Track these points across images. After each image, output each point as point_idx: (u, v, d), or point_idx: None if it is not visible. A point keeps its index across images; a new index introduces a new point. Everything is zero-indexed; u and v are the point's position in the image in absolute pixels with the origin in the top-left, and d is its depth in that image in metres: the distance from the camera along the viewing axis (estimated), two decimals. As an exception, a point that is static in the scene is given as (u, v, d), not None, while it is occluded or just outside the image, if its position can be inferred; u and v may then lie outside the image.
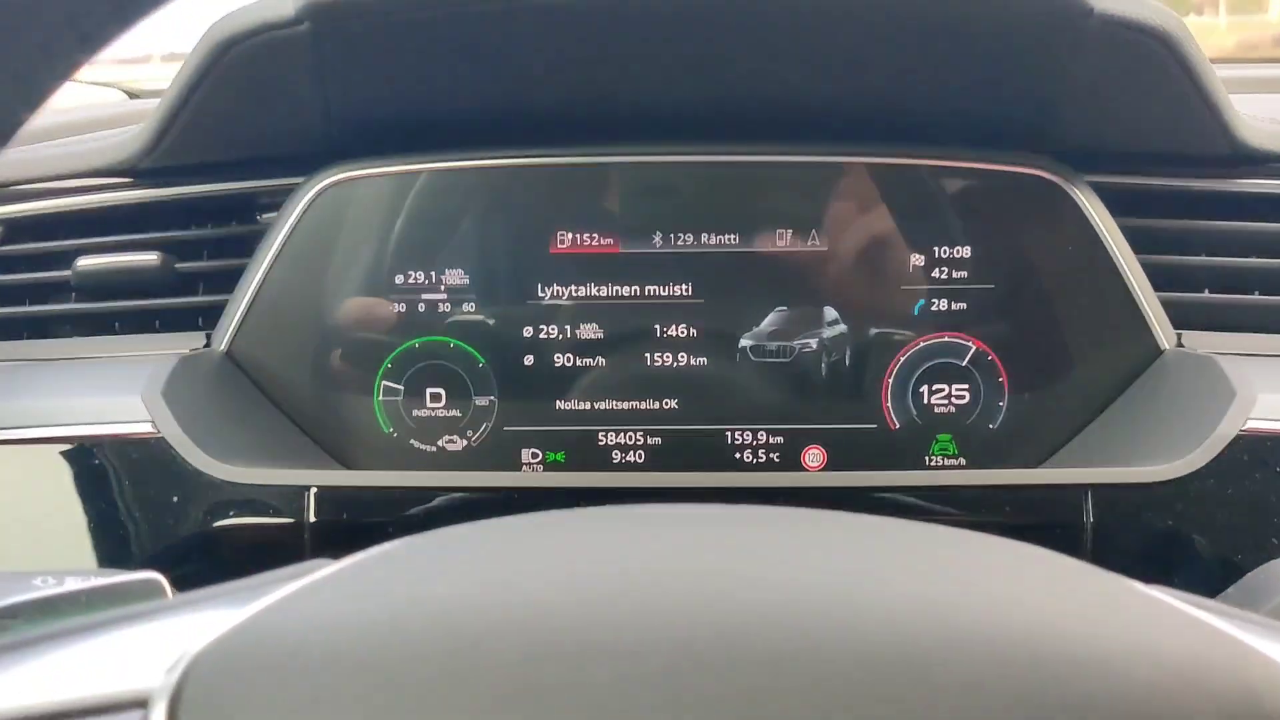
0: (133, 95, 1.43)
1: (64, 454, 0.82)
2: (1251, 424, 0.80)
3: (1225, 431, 0.79)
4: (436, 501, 0.84)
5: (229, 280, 0.92)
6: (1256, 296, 0.93)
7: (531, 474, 0.90)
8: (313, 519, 0.81)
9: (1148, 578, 0.80)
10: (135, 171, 0.93)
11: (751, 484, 0.84)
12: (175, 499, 0.81)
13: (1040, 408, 0.91)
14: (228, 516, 0.81)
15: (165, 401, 0.81)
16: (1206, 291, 0.93)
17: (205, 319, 0.94)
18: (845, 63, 0.85)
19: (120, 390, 0.83)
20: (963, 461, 0.92)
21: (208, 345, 0.91)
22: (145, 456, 0.81)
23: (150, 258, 0.93)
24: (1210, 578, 0.79)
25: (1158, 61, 0.79)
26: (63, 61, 0.39)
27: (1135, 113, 0.88)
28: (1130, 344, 0.90)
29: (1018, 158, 0.90)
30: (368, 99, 0.87)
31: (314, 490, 0.81)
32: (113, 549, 0.80)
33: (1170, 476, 0.79)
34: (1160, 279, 0.91)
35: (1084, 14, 0.75)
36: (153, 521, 0.81)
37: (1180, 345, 0.90)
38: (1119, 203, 0.91)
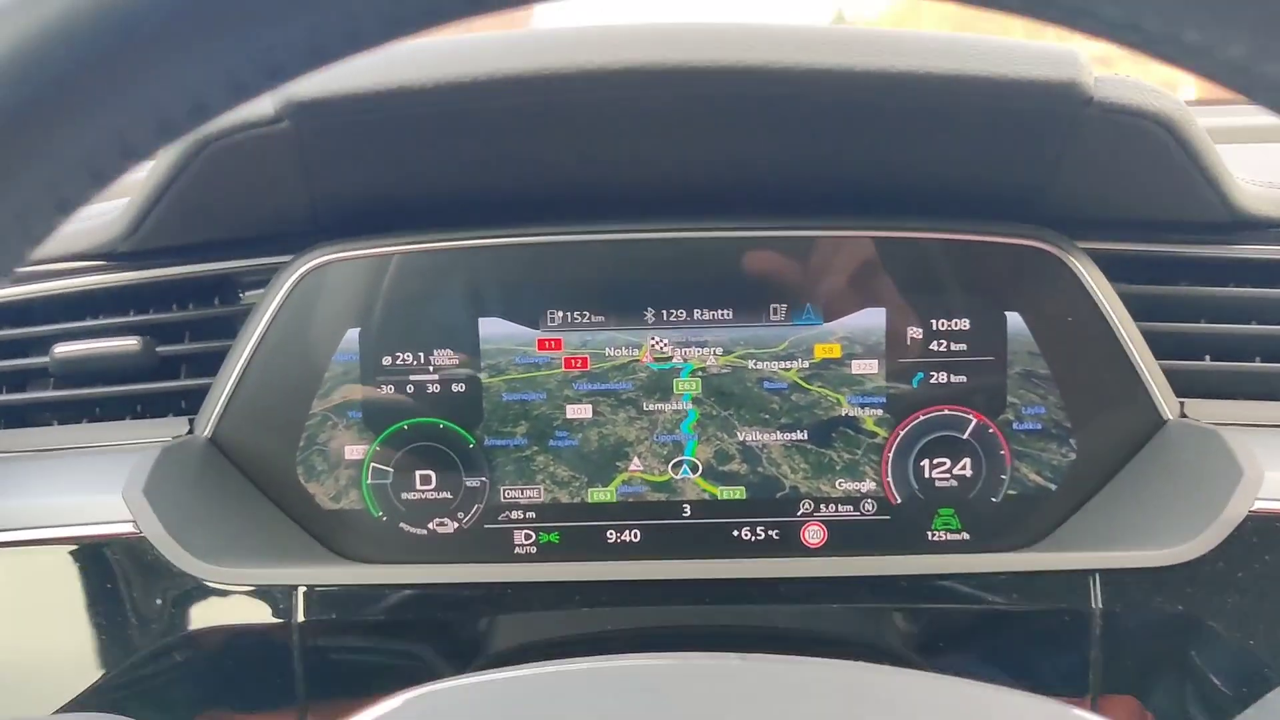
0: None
1: (44, 557, 0.80)
2: (1260, 504, 0.78)
3: (1233, 514, 0.77)
4: (427, 593, 0.82)
5: (212, 363, 0.90)
6: (1258, 364, 0.91)
7: (524, 566, 0.88)
8: (300, 619, 0.79)
9: (1162, 664, 0.79)
10: (115, 255, 0.90)
11: (752, 573, 0.83)
12: (158, 601, 0.78)
13: (1043, 481, 0.90)
14: (214, 618, 0.79)
15: (147, 499, 0.79)
16: (1208, 359, 0.92)
17: (188, 403, 0.92)
18: (836, 141, 0.83)
19: (100, 487, 0.81)
20: (966, 536, 0.91)
21: (191, 431, 0.89)
22: (127, 557, 0.79)
23: (130, 342, 0.90)
24: (1225, 664, 0.77)
25: (1158, 144, 0.78)
26: (40, 228, 0.37)
27: (1132, 186, 0.86)
28: (1132, 414, 0.89)
29: (1012, 228, 0.88)
30: (350, 186, 0.85)
31: (301, 589, 0.79)
32: (93, 655, 0.78)
33: (1179, 560, 0.77)
34: (1160, 347, 0.89)
35: (1083, 102, 0.74)
36: (135, 624, 0.79)
37: (1183, 415, 0.89)
38: (1116, 270, 0.89)
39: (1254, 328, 0.91)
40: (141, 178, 0.85)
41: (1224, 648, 0.78)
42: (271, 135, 0.74)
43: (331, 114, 0.73)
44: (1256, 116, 1.25)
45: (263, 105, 0.74)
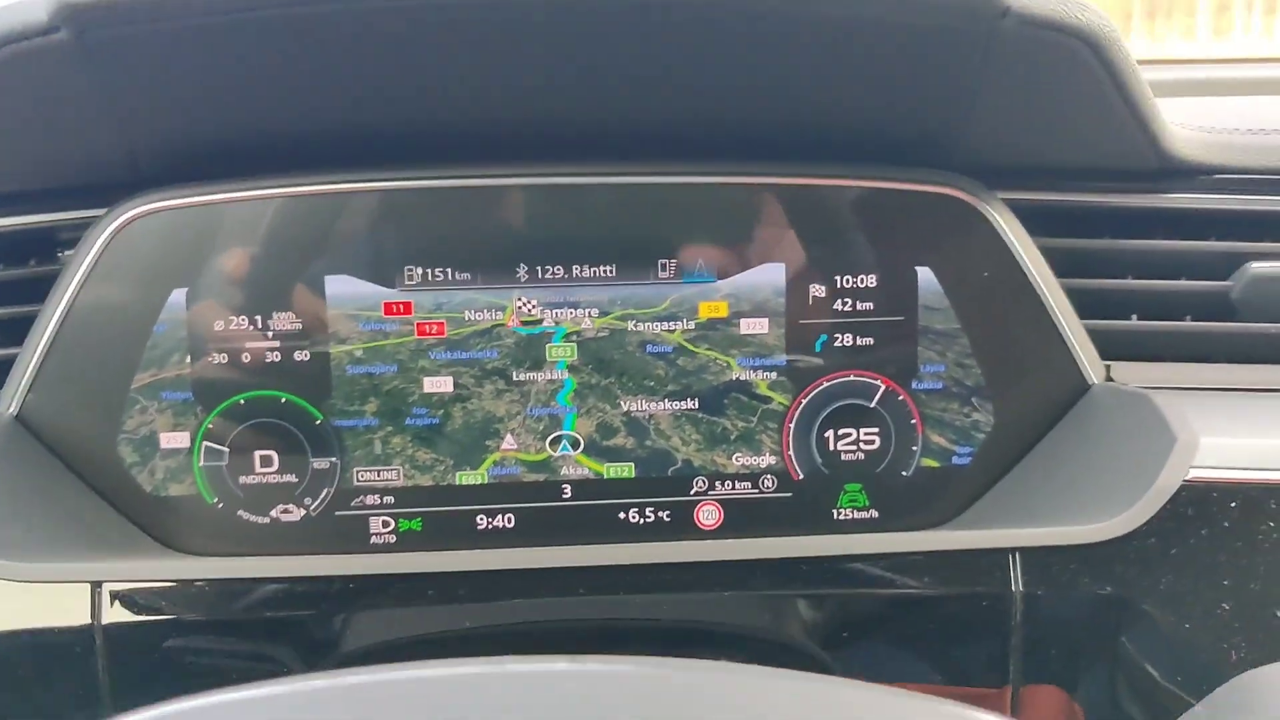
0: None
1: None
2: (1195, 473, 0.71)
3: (1166, 484, 0.69)
4: (267, 590, 0.71)
5: (19, 331, 0.78)
6: (1188, 322, 0.84)
7: (378, 557, 0.77)
8: (105, 620, 0.67)
9: (1088, 649, 0.71)
10: (-96, 207, 0.78)
11: (640, 559, 0.73)
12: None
13: (958, 452, 0.81)
14: (4, 622, 0.67)
15: (-73, 483, 0.67)
16: (1135, 318, 0.84)
17: (-7, 376, 0.80)
18: (728, 70, 0.74)
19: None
20: (874, 514, 0.82)
21: (-7, 407, 0.77)
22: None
23: (-76, 306, 0.78)
24: (1159, 650, 0.69)
25: (1081, 66, 0.69)
26: None
27: (1052, 124, 0.78)
28: (1055, 378, 0.81)
29: (923, 175, 0.80)
30: (168, 119, 0.74)
31: (106, 587, 0.67)
32: None
33: (1107, 536, 0.69)
34: (1084, 305, 0.81)
35: (997, 14, 0.65)
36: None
37: (1109, 378, 0.81)
38: (1037, 222, 0.81)
39: (1184, 284, 0.84)
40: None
41: (1158, 632, 0.70)
42: (52, 49, 0.63)
43: (111, 19, 0.61)
44: (1190, 71, 1.19)
45: (35, 11, 0.62)
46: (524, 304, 0.80)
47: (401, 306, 0.79)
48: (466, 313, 0.79)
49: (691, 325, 0.81)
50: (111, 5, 0.60)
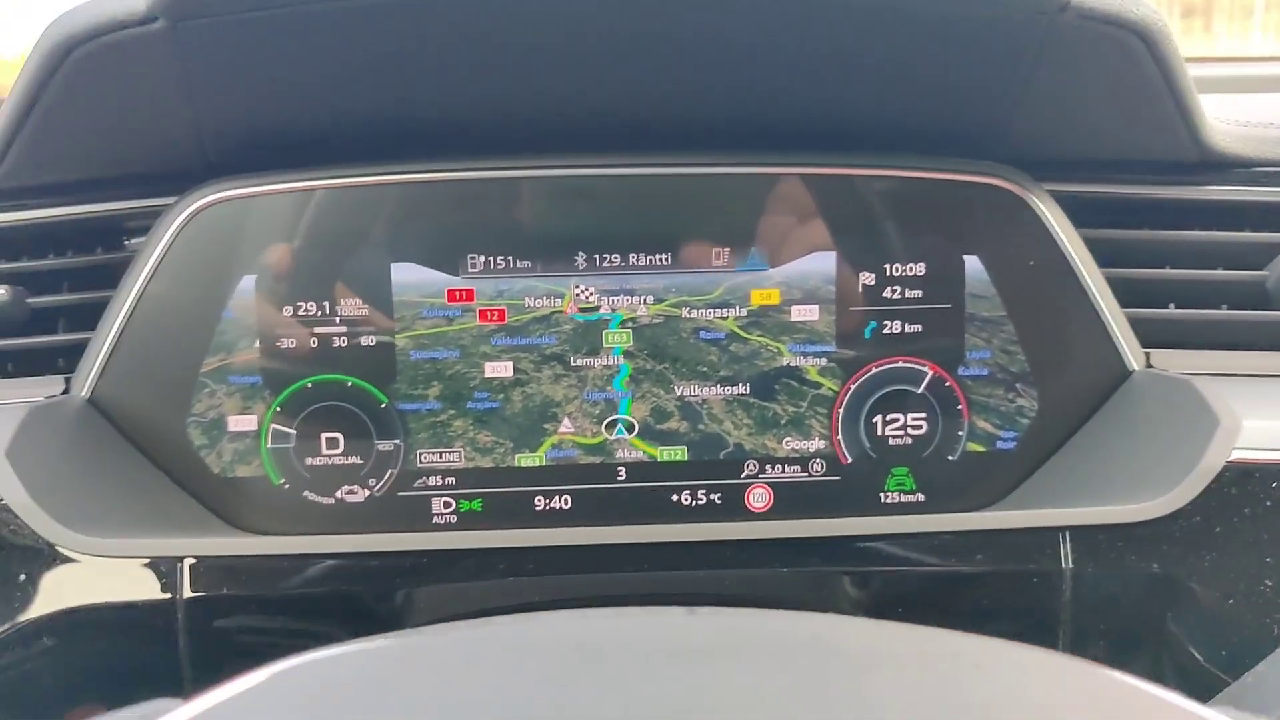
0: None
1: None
2: (1238, 454, 0.73)
3: (1211, 464, 0.72)
4: (335, 567, 0.73)
5: (92, 315, 0.80)
6: (1225, 311, 0.86)
7: (441, 534, 0.80)
8: (187, 594, 0.70)
9: (1136, 625, 0.73)
10: (-21, 194, 0.80)
11: (692, 537, 0.75)
12: (22, 577, 0.69)
13: (1004, 437, 0.84)
14: (86, 596, 0.70)
15: (10, 462, 0.69)
16: (1173, 307, 0.86)
17: (65, 360, 0.82)
18: (784, 63, 0.76)
19: (-41, 452, 0.71)
20: (920, 498, 0.84)
21: (67, 391, 0.80)
22: (-11, 528, 0.69)
23: (-1, 292, 0.81)
24: (1204, 626, 0.72)
25: (1133, 60, 0.71)
26: None
27: (1099, 116, 0.80)
28: (1097, 364, 0.83)
29: (972, 166, 0.82)
30: (243, 107, 0.76)
31: (188, 561, 0.70)
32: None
33: (1154, 515, 0.71)
34: (1125, 293, 0.84)
35: (1057, 8, 0.67)
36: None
37: (1149, 365, 0.83)
38: (1080, 213, 0.84)
39: (1221, 273, 0.86)
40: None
41: (1203, 608, 0.73)
42: (145, 38, 0.65)
43: (209, 9, 0.63)
44: (1229, 69, 1.21)
45: (134, 2, 0.65)
46: (582, 291, 0.82)
47: (464, 294, 0.81)
48: (526, 299, 0.82)
49: (744, 312, 0.83)
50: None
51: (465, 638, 0.36)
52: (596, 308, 0.82)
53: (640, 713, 0.31)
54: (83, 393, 0.79)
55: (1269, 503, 0.73)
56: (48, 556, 0.69)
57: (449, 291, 0.81)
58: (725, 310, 0.83)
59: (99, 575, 0.70)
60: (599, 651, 0.35)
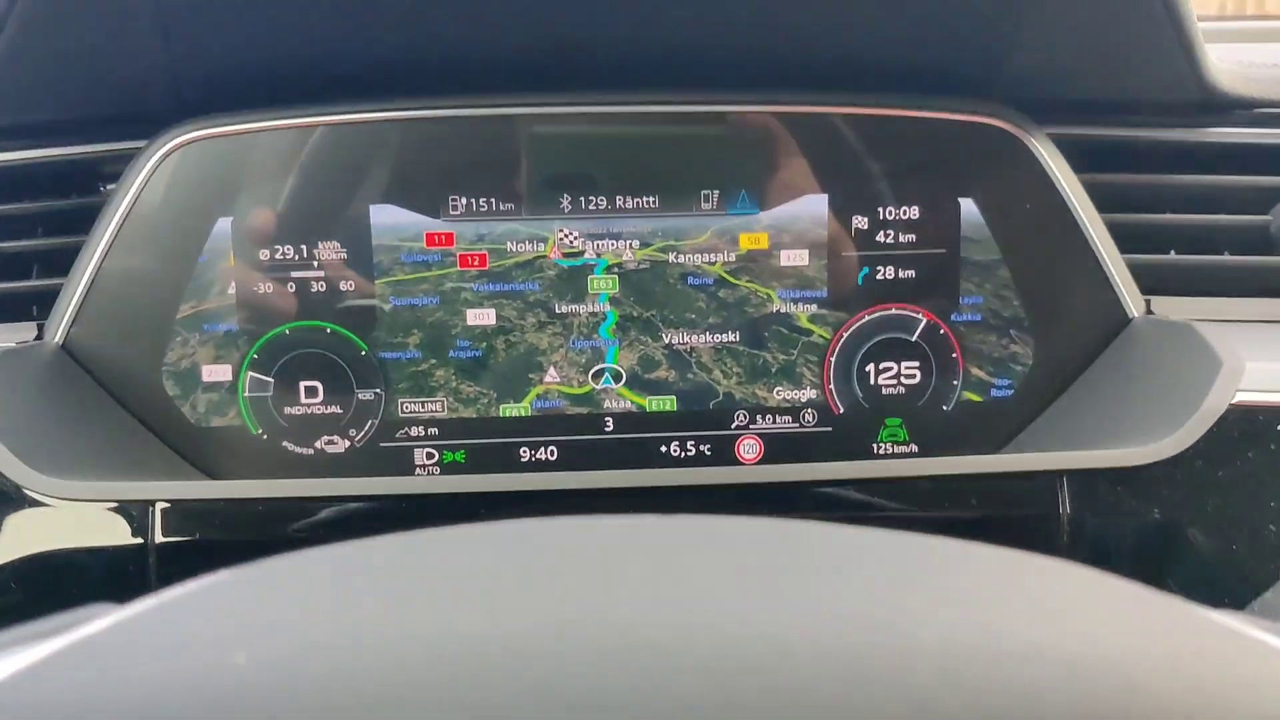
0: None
1: None
2: (1241, 396, 0.71)
3: (1214, 405, 0.69)
4: (311, 515, 0.71)
5: (65, 261, 0.78)
6: (1227, 257, 0.84)
7: (423, 479, 0.78)
8: (159, 540, 0.68)
9: (1135, 571, 0.71)
10: (-52, 136, 0.78)
11: (681, 481, 0.73)
12: (-6, 520, 0.67)
13: (1000, 385, 0.81)
14: (56, 540, 0.68)
15: (-21, 405, 0.67)
16: (1173, 252, 0.84)
17: (39, 307, 0.80)
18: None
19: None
20: (914, 449, 0.82)
21: (39, 337, 0.78)
22: (-46, 471, 0.67)
23: (-32, 237, 0.78)
24: (1206, 571, 0.70)
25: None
26: None
27: (1099, 52, 0.78)
28: (1096, 311, 0.81)
29: (969, 105, 0.80)
30: (218, 44, 0.74)
31: (160, 505, 0.68)
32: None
33: (1155, 458, 0.69)
34: (1125, 239, 0.81)
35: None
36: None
37: (1150, 312, 0.81)
38: (1079, 156, 0.82)
39: (1222, 218, 0.84)
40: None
41: (1206, 554, 0.70)
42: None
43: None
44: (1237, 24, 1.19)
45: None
46: (566, 235, 0.80)
47: (444, 238, 0.79)
48: (508, 244, 0.80)
49: (732, 257, 0.81)
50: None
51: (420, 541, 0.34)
52: (581, 252, 0.80)
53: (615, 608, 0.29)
54: (55, 338, 0.77)
55: (1273, 445, 0.71)
56: (18, 500, 0.67)
57: (428, 235, 0.79)
58: (713, 255, 0.80)
59: (70, 519, 0.68)
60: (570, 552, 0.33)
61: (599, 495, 0.71)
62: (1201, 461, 0.70)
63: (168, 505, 0.68)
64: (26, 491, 0.66)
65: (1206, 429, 0.69)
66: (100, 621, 0.31)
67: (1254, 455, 0.70)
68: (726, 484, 0.72)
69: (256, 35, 0.74)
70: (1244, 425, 0.70)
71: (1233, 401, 0.70)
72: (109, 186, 0.82)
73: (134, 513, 0.68)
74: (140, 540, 0.67)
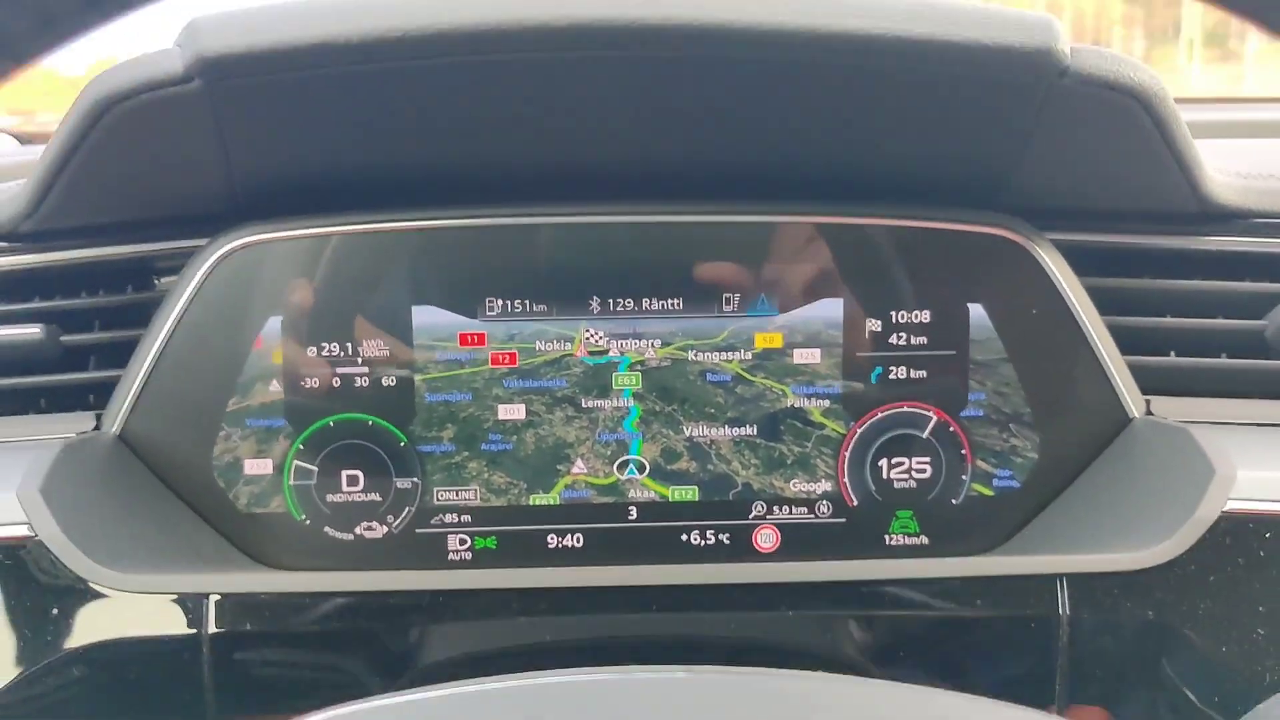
0: (24, 141, 1.32)
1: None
2: (1232, 504, 0.75)
3: (1205, 515, 0.74)
4: (353, 603, 0.76)
5: (122, 354, 0.83)
6: (1224, 360, 0.88)
7: (458, 573, 0.82)
8: (212, 630, 0.72)
9: (1132, 671, 0.75)
10: (15, 235, 0.83)
11: (702, 579, 0.77)
12: (54, 610, 0.72)
13: (1006, 481, 0.86)
14: (115, 629, 0.72)
15: (43, 498, 0.72)
16: (1173, 354, 0.88)
17: (96, 397, 0.85)
18: (793, 119, 0.78)
19: (-8, 486, 0.74)
20: (924, 540, 0.86)
21: (98, 427, 0.82)
22: (20, 562, 0.72)
23: (33, 330, 0.83)
24: (1199, 673, 0.73)
25: (1132, 122, 0.74)
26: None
27: (1100, 171, 0.83)
28: (1098, 412, 0.85)
29: (976, 216, 0.84)
30: (273, 157, 0.79)
31: (214, 598, 0.72)
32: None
33: (1149, 564, 0.73)
34: (1126, 341, 0.86)
35: (1058, 73, 0.70)
36: (28, 636, 0.72)
37: (1149, 413, 0.85)
38: (1083, 261, 0.86)
39: (1220, 322, 0.88)
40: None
41: (1198, 655, 0.74)
42: (182, 97, 0.68)
43: (245, 71, 0.66)
44: (1228, 112, 1.23)
45: (172, 62, 0.68)
46: (591, 335, 0.84)
47: (476, 338, 0.84)
48: (537, 343, 0.84)
49: (748, 355, 0.85)
50: (244, 58, 0.65)
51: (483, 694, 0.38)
52: (605, 350, 0.85)
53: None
54: (113, 429, 0.82)
55: (1262, 553, 0.75)
56: (78, 591, 0.72)
57: (461, 335, 0.83)
58: (730, 354, 0.85)
59: (127, 610, 0.72)
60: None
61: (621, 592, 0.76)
62: (1194, 566, 0.74)
63: (220, 597, 0.73)
64: (89, 585, 0.71)
65: (1198, 536, 0.73)
66: None
67: (1244, 561, 0.74)
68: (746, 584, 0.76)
69: (310, 151, 0.79)
70: (1235, 532, 0.74)
71: (1224, 510, 0.74)
72: (164, 281, 0.87)
73: (189, 603, 0.73)
74: (195, 630, 0.72)
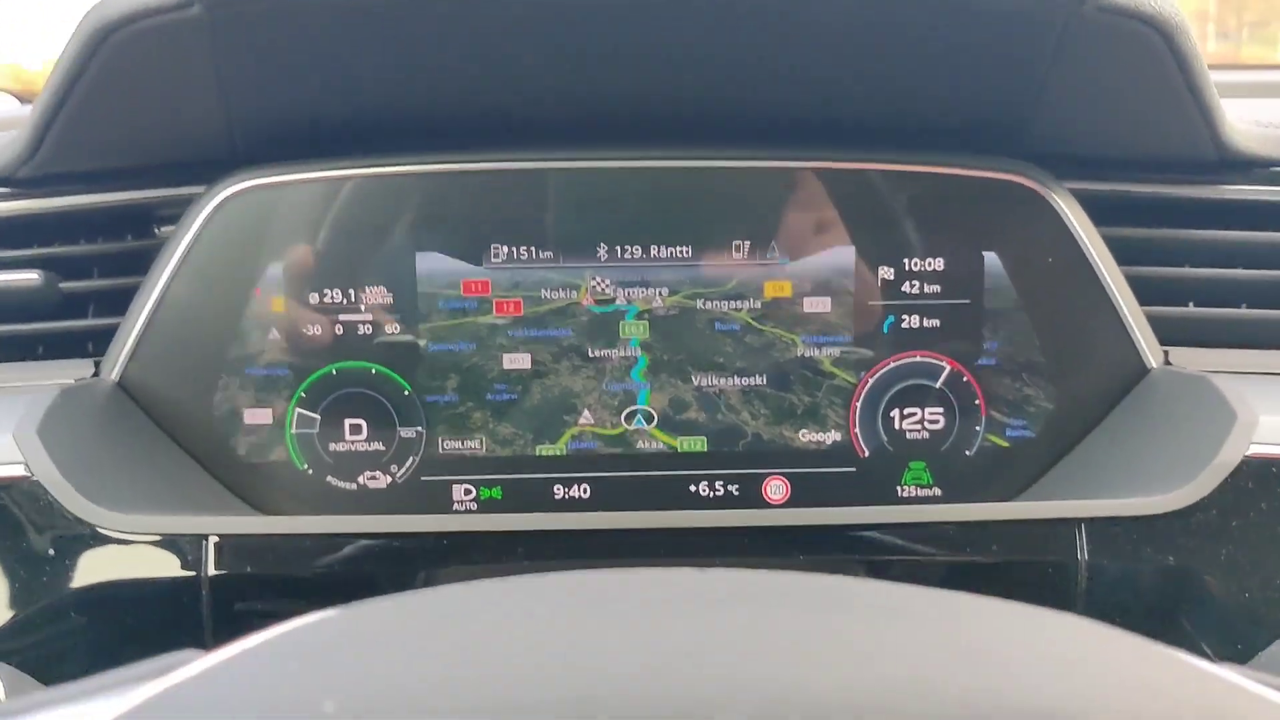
0: (25, 100, 1.31)
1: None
2: (1255, 449, 0.73)
3: (1228, 458, 0.72)
4: (356, 549, 0.74)
5: (121, 301, 0.82)
6: (1244, 310, 0.86)
7: (462, 516, 0.81)
8: (211, 572, 0.71)
9: (1150, 618, 0.74)
10: (13, 180, 0.82)
11: (708, 523, 0.76)
12: (51, 551, 0.70)
13: (1020, 432, 0.84)
14: (113, 571, 0.71)
15: (40, 439, 0.71)
16: (1191, 305, 0.87)
17: (95, 344, 0.84)
18: (805, 59, 0.77)
19: (-11, 427, 0.72)
20: (937, 492, 0.85)
21: (96, 374, 0.81)
22: (17, 502, 0.71)
23: (31, 276, 0.82)
24: (1219, 618, 0.72)
25: (1152, 55, 0.72)
26: None
27: (1118, 112, 0.81)
28: (1115, 362, 0.83)
29: (993, 162, 0.83)
30: (272, 98, 0.77)
31: (213, 539, 0.71)
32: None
33: (1171, 508, 0.71)
34: (1144, 292, 0.84)
35: (1076, 2, 0.68)
36: (25, 576, 0.70)
37: (1168, 363, 0.83)
38: (1100, 211, 0.84)
39: (1240, 272, 0.86)
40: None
41: (1218, 601, 0.73)
42: (181, 25, 0.66)
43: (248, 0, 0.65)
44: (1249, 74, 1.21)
45: (169, -11, 0.66)
46: (598, 283, 0.83)
47: (479, 285, 0.82)
48: (542, 291, 0.83)
49: (757, 304, 0.84)
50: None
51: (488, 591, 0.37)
52: (612, 299, 0.83)
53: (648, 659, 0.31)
54: (112, 376, 0.80)
55: (1286, 497, 0.73)
56: (76, 533, 0.70)
57: (464, 283, 0.82)
58: (739, 302, 0.83)
59: (125, 552, 0.71)
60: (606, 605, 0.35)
61: (630, 535, 0.74)
62: (1215, 511, 0.72)
63: (219, 539, 0.71)
64: (86, 525, 0.70)
65: (1220, 481, 0.71)
66: (189, 669, 0.33)
67: (1266, 506, 0.72)
68: (753, 527, 0.74)
69: (312, 90, 0.77)
70: (1257, 477, 0.73)
71: (1246, 454, 0.72)
72: (163, 229, 0.85)
73: (187, 546, 0.71)
74: (194, 573, 0.71)
